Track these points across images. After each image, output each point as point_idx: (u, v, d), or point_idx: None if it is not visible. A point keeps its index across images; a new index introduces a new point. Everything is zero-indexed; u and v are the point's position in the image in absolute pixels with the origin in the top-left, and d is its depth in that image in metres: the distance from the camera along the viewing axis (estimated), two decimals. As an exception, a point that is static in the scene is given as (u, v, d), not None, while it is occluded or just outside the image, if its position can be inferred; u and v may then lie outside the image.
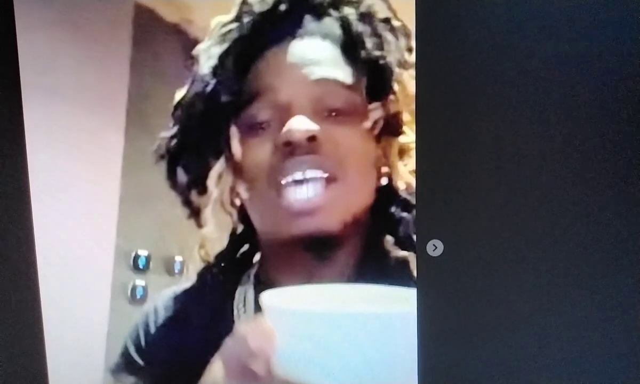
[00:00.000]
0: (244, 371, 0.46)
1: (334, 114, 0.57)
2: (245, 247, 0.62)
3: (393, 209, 0.59)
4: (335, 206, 0.56)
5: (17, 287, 0.59)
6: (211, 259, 0.61)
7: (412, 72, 0.58)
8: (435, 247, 0.57)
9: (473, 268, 0.57)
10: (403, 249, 0.58)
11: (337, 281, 0.57)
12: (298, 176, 0.56)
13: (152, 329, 0.60)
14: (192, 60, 0.59)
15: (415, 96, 0.57)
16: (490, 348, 0.56)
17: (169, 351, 0.59)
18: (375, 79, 0.58)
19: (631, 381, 0.55)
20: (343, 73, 0.57)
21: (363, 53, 0.58)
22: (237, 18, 0.58)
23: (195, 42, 0.60)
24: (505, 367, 0.56)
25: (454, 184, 0.57)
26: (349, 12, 0.58)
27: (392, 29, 0.58)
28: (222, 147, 0.59)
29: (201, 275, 0.61)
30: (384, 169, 0.60)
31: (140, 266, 0.63)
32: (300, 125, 0.55)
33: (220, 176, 0.60)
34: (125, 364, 0.60)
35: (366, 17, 0.58)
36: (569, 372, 0.56)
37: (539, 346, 0.56)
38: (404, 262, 0.58)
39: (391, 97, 0.58)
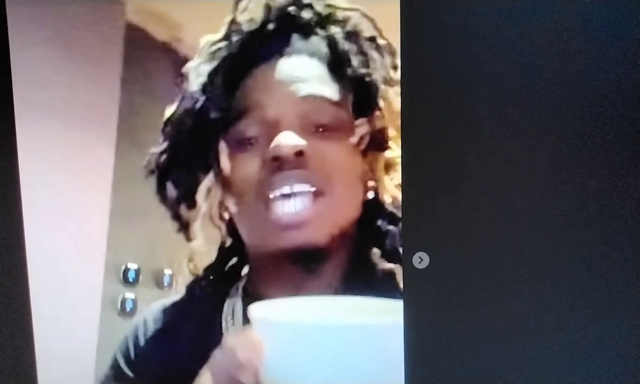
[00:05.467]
0: (233, 382, 0.47)
1: (321, 129, 0.57)
2: (234, 260, 0.62)
3: (379, 222, 0.59)
4: (322, 220, 0.57)
5: (7, 299, 0.59)
6: (200, 272, 0.61)
7: (397, 89, 0.58)
8: (421, 260, 0.57)
9: (459, 280, 0.57)
10: (389, 261, 0.59)
11: (324, 293, 0.57)
12: (286, 190, 0.56)
13: (142, 342, 0.60)
14: (182, 77, 0.60)
15: (401, 112, 0.58)
16: (477, 359, 0.57)
17: (158, 363, 0.59)
18: (361, 95, 0.59)
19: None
20: (330, 90, 0.58)
21: (349, 71, 0.58)
22: (226, 37, 0.59)
23: (185, 60, 0.61)
24: (492, 378, 0.57)
25: (440, 198, 0.57)
26: (336, 31, 0.59)
27: (378, 48, 0.59)
28: (211, 162, 0.60)
29: (190, 288, 0.61)
30: (371, 183, 0.60)
31: (130, 279, 0.63)
32: (288, 140, 0.56)
33: (209, 191, 0.60)
34: (115, 376, 0.60)
35: (352, 35, 0.59)
36: (557, 380, 0.56)
37: (527, 357, 0.56)
38: (391, 274, 0.58)
39: (377, 113, 0.59)
